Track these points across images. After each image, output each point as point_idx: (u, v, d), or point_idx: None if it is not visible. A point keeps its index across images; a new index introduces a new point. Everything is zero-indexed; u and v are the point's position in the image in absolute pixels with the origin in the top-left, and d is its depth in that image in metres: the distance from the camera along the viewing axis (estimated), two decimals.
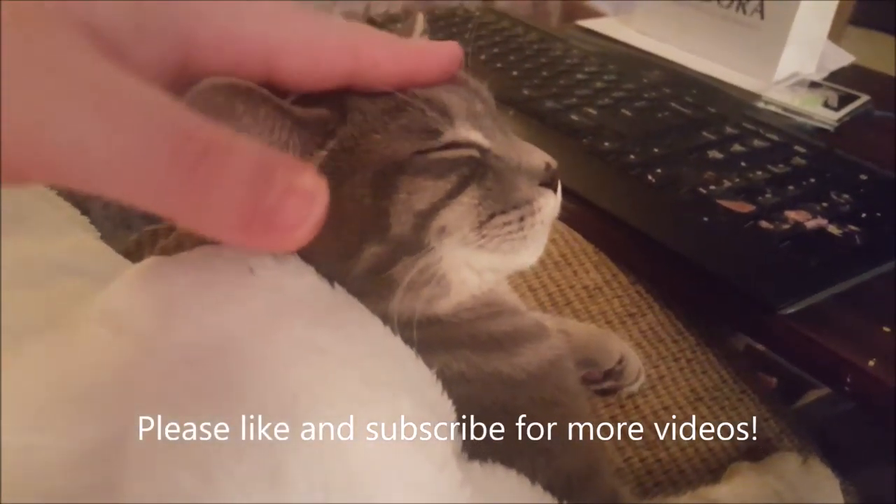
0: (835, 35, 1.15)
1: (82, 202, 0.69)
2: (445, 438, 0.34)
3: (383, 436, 0.32)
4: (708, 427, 0.59)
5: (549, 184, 0.41)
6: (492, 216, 0.39)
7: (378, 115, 0.38)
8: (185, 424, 0.31)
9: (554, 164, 0.42)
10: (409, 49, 0.38)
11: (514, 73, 0.96)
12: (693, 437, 0.58)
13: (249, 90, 0.34)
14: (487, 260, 0.41)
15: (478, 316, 0.44)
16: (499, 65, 0.99)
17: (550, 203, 0.41)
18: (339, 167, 0.38)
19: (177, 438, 0.31)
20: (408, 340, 0.38)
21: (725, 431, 0.59)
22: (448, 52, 0.39)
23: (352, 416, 0.32)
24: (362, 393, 0.33)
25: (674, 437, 0.58)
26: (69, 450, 0.33)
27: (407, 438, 0.32)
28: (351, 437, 0.31)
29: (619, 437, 0.57)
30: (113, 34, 0.29)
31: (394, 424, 0.32)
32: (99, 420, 0.34)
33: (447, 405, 0.36)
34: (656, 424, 0.59)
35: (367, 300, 0.38)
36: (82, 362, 0.37)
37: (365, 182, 0.37)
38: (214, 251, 0.39)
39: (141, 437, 0.32)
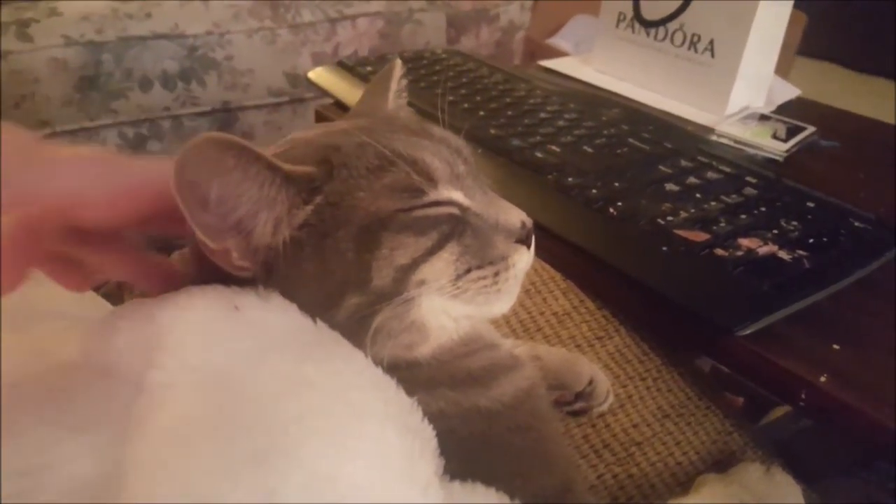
0: (784, 66, 1.21)
1: None
2: (428, 461, 0.37)
3: (370, 463, 0.34)
4: (676, 442, 0.62)
5: (523, 240, 0.44)
6: (468, 270, 0.42)
7: (364, 173, 0.40)
8: (179, 455, 0.33)
9: (529, 222, 0.45)
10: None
11: (481, 112, 1.00)
12: (662, 452, 0.62)
13: (242, 147, 0.36)
14: (463, 309, 0.43)
15: (455, 355, 0.46)
16: (466, 105, 1.03)
17: (524, 259, 0.44)
18: (323, 221, 0.40)
19: (171, 469, 0.33)
20: None
21: (692, 446, 0.63)
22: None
23: (341, 447, 0.34)
24: (350, 424, 0.35)
25: (644, 453, 0.61)
26: (61, 489, 0.35)
27: (393, 464, 0.35)
28: (341, 465, 0.33)
29: (592, 455, 0.60)
30: None
31: (380, 452, 0.35)
32: (92, 455, 0.36)
33: (427, 430, 0.39)
34: (626, 441, 0.62)
35: None
36: (70, 402, 0.39)
37: (349, 237, 0.39)
38: (198, 291, 0.40)
39: (135, 470, 0.34)
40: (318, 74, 1.18)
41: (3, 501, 0.33)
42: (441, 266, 0.41)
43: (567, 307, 0.74)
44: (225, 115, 1.78)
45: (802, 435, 1.08)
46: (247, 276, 0.40)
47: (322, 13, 1.81)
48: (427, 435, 0.38)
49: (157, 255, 0.46)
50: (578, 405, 0.62)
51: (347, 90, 1.10)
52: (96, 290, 0.73)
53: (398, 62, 0.54)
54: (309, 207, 0.40)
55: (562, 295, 0.75)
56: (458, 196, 0.43)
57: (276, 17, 1.75)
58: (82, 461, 0.36)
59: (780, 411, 1.20)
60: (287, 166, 0.38)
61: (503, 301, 0.45)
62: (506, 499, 0.39)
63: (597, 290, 0.75)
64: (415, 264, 0.40)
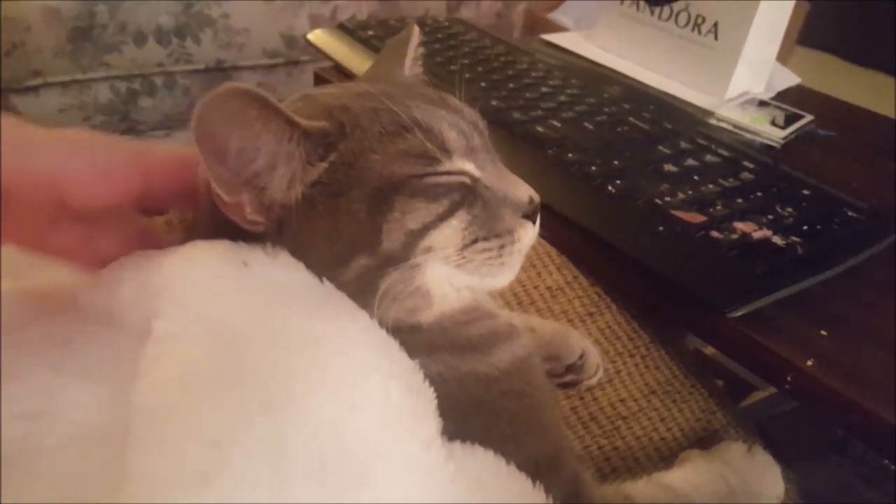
0: (783, 54, 1.22)
1: None
2: (430, 419, 0.37)
3: (375, 417, 0.35)
4: (661, 419, 0.63)
5: (530, 216, 0.45)
6: (475, 241, 0.42)
7: (378, 136, 0.41)
8: (189, 401, 0.34)
9: (537, 198, 0.45)
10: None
11: (483, 83, 1.00)
12: (647, 427, 0.63)
13: (265, 100, 0.36)
14: (465, 280, 0.44)
15: (456, 322, 0.46)
16: (468, 75, 1.02)
17: (529, 234, 0.45)
18: (337, 180, 0.40)
19: (180, 413, 0.33)
20: None
21: (677, 423, 0.64)
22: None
23: (347, 399, 0.35)
24: (356, 378, 0.36)
25: (629, 428, 0.62)
26: (68, 433, 0.35)
27: (397, 419, 0.35)
28: (347, 418, 0.34)
29: (579, 427, 0.61)
30: None
31: (385, 407, 0.35)
32: (97, 403, 0.36)
33: (429, 391, 0.39)
34: (613, 415, 0.63)
35: None
36: (73, 350, 0.39)
37: (362, 197, 0.40)
38: (206, 245, 0.40)
39: (143, 415, 0.34)
40: (318, 36, 1.16)
41: (10, 443, 0.33)
42: (449, 233, 0.42)
43: (561, 282, 0.74)
44: (219, 74, 1.76)
45: (777, 419, 1.10)
46: (258, 231, 0.40)
47: None
48: (429, 395, 0.39)
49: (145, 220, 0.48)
50: (569, 377, 0.63)
51: (347, 53, 1.09)
52: None
53: (416, 28, 0.54)
54: (323, 164, 0.40)
55: (556, 270, 0.75)
56: (470, 168, 0.43)
57: None
58: (87, 407, 0.36)
59: (756, 395, 1.23)
60: (304, 121, 0.39)
61: (505, 275, 0.45)
62: (502, 461, 0.40)
63: (591, 266, 0.76)
64: (425, 230, 0.41)
